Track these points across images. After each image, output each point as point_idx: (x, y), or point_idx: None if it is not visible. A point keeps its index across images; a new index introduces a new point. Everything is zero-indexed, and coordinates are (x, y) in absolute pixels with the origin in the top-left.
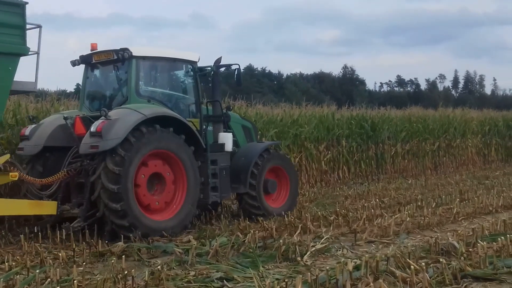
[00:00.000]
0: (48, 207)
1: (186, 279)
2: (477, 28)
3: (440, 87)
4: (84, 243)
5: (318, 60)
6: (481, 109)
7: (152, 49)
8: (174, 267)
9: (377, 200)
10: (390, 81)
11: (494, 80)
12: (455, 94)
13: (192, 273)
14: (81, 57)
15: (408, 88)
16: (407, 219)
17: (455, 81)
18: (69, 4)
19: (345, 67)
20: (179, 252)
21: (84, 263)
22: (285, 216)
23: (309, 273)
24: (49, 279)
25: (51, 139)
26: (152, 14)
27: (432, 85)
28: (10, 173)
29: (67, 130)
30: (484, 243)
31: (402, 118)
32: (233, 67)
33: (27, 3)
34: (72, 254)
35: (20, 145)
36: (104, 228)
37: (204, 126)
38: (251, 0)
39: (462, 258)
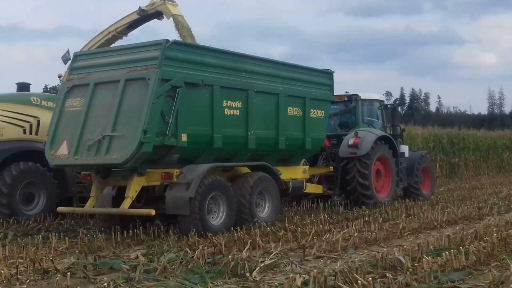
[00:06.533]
0: (319, 188)
1: None
2: (421, 47)
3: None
4: (28, 259)
5: None
6: (426, 126)
7: (366, 94)
8: (121, 284)
9: (326, 215)
10: None
11: (439, 97)
12: (401, 111)
13: None
14: None
15: None
16: (355, 234)
17: (401, 98)
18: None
19: None
20: (126, 268)
21: (28, 281)
22: (234, 231)
23: None
24: None
25: None
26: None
27: None
28: (329, 167)
29: None
30: (429, 257)
31: None
32: (406, 104)
33: (333, 72)
34: (15, 271)
35: None
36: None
37: None
38: (202, 15)
39: (408, 272)
